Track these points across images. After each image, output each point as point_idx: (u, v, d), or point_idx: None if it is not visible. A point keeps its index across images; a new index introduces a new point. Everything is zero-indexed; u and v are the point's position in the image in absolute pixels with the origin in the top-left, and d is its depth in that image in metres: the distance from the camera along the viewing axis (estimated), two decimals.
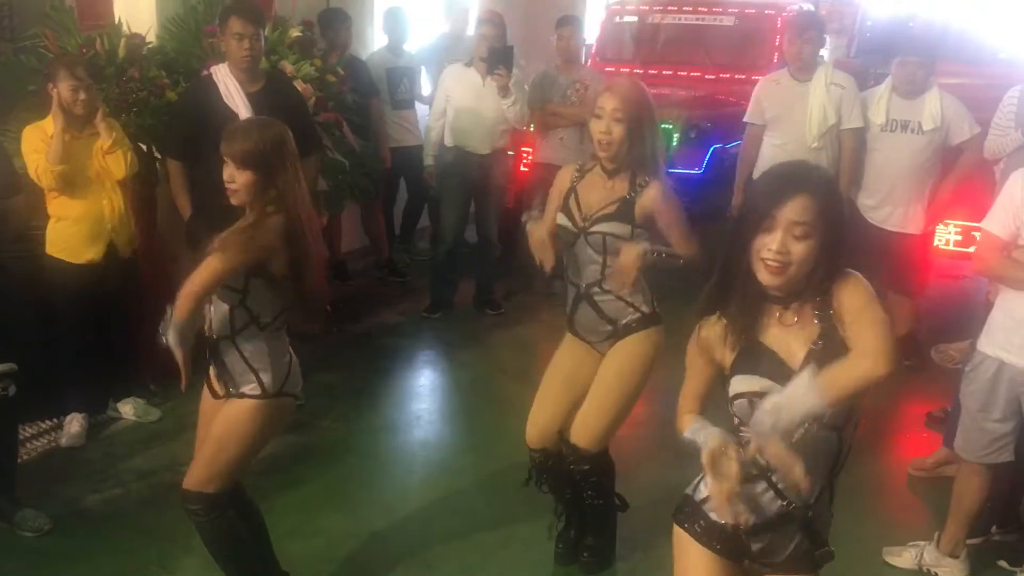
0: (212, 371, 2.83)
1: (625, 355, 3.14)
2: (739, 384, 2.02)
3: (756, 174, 5.07)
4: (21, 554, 3.38)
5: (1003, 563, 3.50)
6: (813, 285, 1.97)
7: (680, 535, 2.17)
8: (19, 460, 3.69)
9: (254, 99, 4.05)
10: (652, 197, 3.01)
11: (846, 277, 1.98)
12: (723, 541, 2.10)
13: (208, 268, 2.59)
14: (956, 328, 4.48)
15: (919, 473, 4.14)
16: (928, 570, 3.44)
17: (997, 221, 3.12)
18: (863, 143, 5.04)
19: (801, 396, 1.83)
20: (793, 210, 1.90)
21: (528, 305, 6.19)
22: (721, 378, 2.11)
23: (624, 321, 3.13)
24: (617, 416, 3.17)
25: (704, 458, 1.99)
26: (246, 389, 2.77)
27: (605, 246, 3.04)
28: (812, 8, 7.85)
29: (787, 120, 5.14)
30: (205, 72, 4.21)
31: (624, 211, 3.02)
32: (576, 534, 3.49)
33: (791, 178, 1.98)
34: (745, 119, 5.37)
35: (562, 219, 3.11)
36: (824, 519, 2.10)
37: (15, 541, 3.44)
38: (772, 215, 1.91)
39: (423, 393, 5.10)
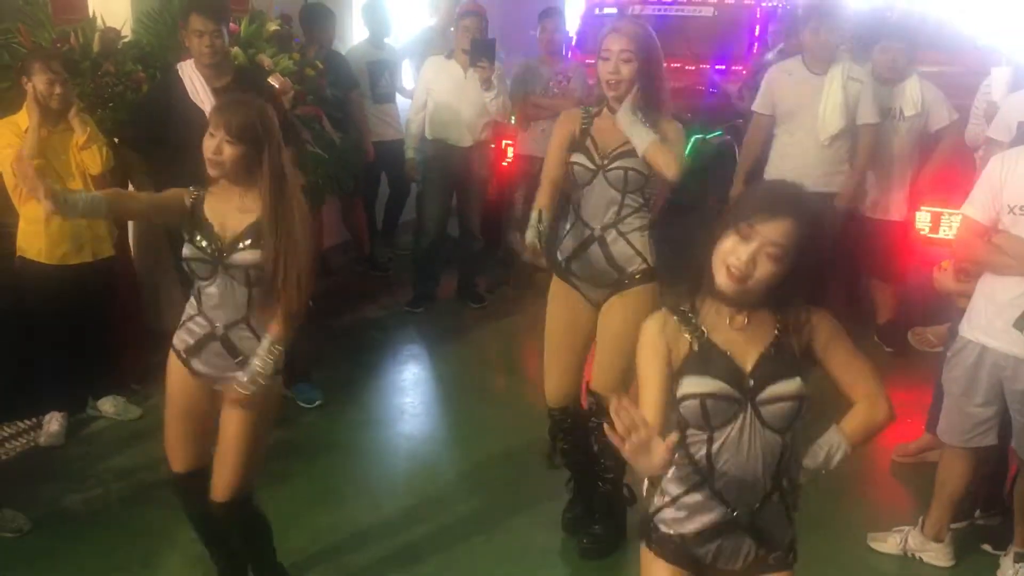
0: (209, 363, 2.74)
1: (632, 305, 3.11)
2: (693, 385, 1.98)
3: (770, 169, 4.99)
4: (1, 555, 3.34)
5: (987, 547, 3.51)
6: (771, 301, 1.99)
7: (644, 552, 2.17)
8: None
9: (221, 94, 3.97)
10: (664, 132, 3.03)
11: (828, 318, 2.02)
12: (678, 553, 2.10)
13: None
14: (933, 312, 4.49)
15: (903, 459, 4.16)
16: (913, 554, 3.45)
17: (977, 206, 3.12)
18: (878, 139, 4.88)
19: (836, 445, 2.02)
20: (775, 230, 1.89)
21: (511, 298, 6.17)
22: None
23: (630, 270, 3.13)
24: (629, 365, 3.14)
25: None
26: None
27: (626, 182, 3.06)
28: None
29: (800, 115, 4.90)
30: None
31: None
32: (581, 513, 3.50)
33: (785, 199, 1.97)
34: (753, 107, 5.18)
35: (579, 158, 3.12)
36: (777, 523, 2.07)
37: None
38: (752, 225, 1.90)
39: (406, 387, 5.08)
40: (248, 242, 2.62)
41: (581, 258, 3.19)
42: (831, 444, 2.04)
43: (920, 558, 3.44)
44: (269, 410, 2.81)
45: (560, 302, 3.30)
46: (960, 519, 3.51)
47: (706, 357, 1.99)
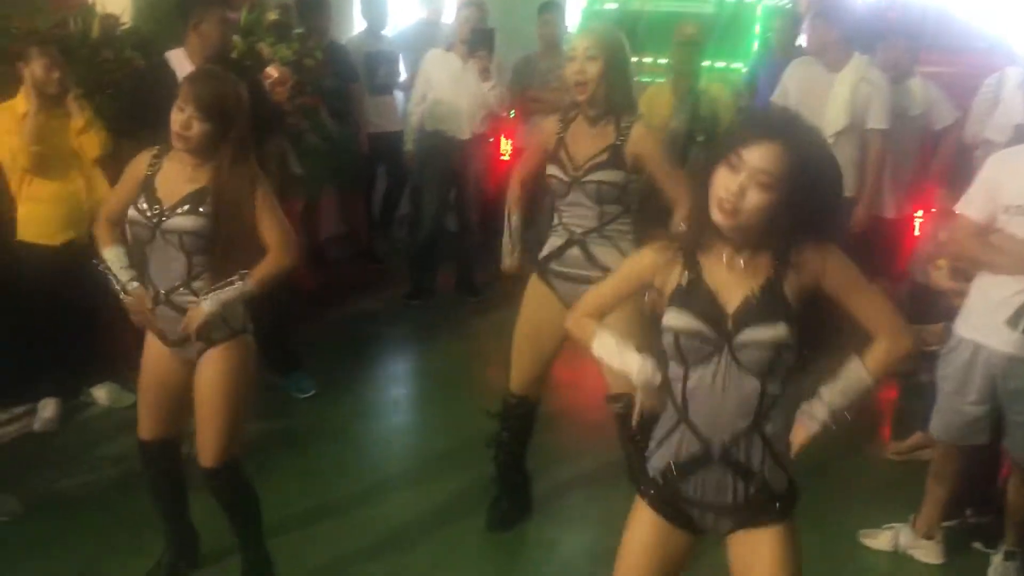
0: (166, 326, 2.76)
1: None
2: (672, 318, 1.99)
3: None
4: None
5: (978, 545, 3.52)
6: (772, 241, 1.94)
7: (638, 501, 2.15)
8: None
9: None
10: (639, 137, 3.03)
11: (829, 247, 1.97)
12: (664, 498, 2.09)
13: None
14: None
15: (896, 456, 4.16)
16: (904, 551, 3.46)
17: (974, 205, 3.12)
18: (889, 146, 4.77)
19: (856, 380, 2.04)
20: (761, 156, 1.83)
21: (508, 291, 6.13)
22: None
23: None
24: None
25: (639, 391, 2.10)
26: (214, 334, 2.73)
27: (600, 194, 3.05)
28: None
29: (806, 108, 4.53)
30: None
31: (615, 158, 3.04)
32: (508, 508, 3.58)
33: (771, 123, 1.92)
34: (771, 99, 5.07)
35: (553, 170, 3.13)
36: (760, 462, 2.01)
37: None
38: (739, 154, 1.84)
39: (401, 379, 5.09)
40: (186, 208, 2.64)
41: (561, 258, 3.19)
42: (853, 377, 2.06)
43: (911, 555, 3.45)
44: (244, 370, 2.80)
45: (534, 301, 3.29)
46: (951, 517, 3.52)
47: (692, 293, 1.98)
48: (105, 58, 4.29)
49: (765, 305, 1.93)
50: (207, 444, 2.79)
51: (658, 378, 2.06)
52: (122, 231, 2.82)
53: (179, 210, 2.64)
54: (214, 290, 2.67)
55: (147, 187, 2.69)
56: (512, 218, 3.33)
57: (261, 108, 4.18)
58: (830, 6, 4.89)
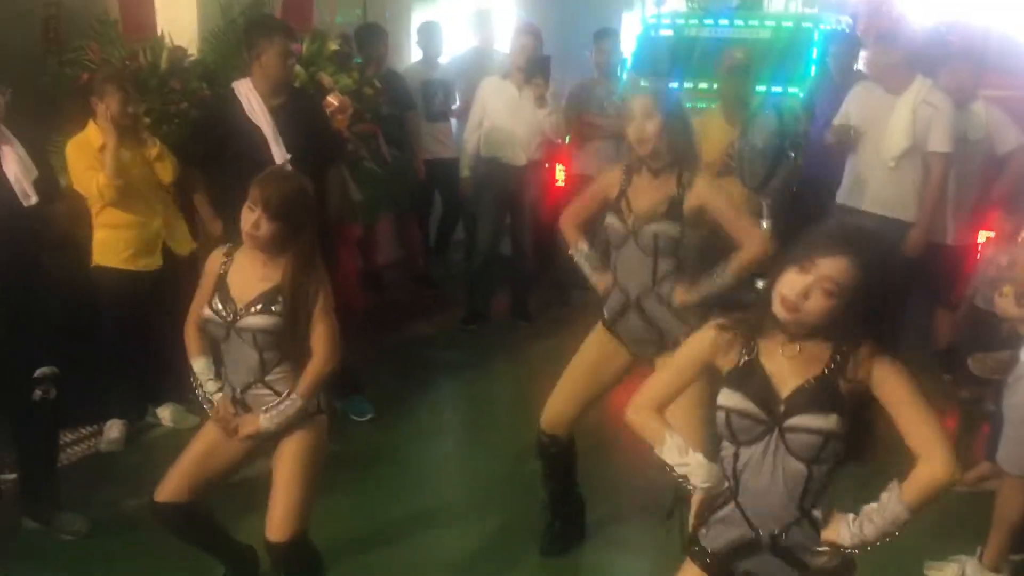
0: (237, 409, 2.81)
1: None
2: (725, 397, 2.06)
3: (843, 186, 4.94)
4: (60, 557, 3.44)
5: None
6: (829, 336, 2.00)
7: (686, 561, 2.22)
8: (59, 465, 3.75)
9: (276, 112, 4.04)
10: (700, 190, 3.05)
11: (889, 360, 1.99)
12: (712, 566, 2.15)
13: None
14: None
15: (961, 487, 4.04)
16: None
17: None
18: (951, 169, 4.70)
19: (890, 511, 2.01)
20: (832, 266, 1.93)
21: (563, 317, 6.15)
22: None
23: (673, 333, 3.10)
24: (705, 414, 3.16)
25: (695, 501, 2.17)
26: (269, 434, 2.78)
27: (656, 247, 3.06)
28: (851, 21, 7.79)
29: (868, 133, 4.80)
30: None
31: (673, 210, 3.05)
32: (559, 534, 3.55)
33: (844, 237, 2.01)
34: (833, 122, 5.04)
35: (612, 219, 3.15)
36: (807, 548, 2.07)
37: (55, 544, 3.50)
38: (812, 259, 1.94)
39: (457, 403, 5.11)
40: (259, 307, 2.68)
41: (621, 322, 3.22)
42: (888, 509, 2.03)
43: None
44: (319, 450, 2.85)
45: (598, 342, 3.31)
46: (1020, 550, 3.43)
47: (747, 374, 2.05)
48: (173, 88, 4.42)
49: (819, 394, 1.99)
50: (278, 519, 2.80)
51: (723, 482, 2.12)
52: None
53: (253, 309, 2.68)
54: (273, 406, 2.73)
55: (220, 286, 2.75)
56: (579, 248, 3.30)
57: (323, 136, 4.29)
58: (891, 29, 4.86)
